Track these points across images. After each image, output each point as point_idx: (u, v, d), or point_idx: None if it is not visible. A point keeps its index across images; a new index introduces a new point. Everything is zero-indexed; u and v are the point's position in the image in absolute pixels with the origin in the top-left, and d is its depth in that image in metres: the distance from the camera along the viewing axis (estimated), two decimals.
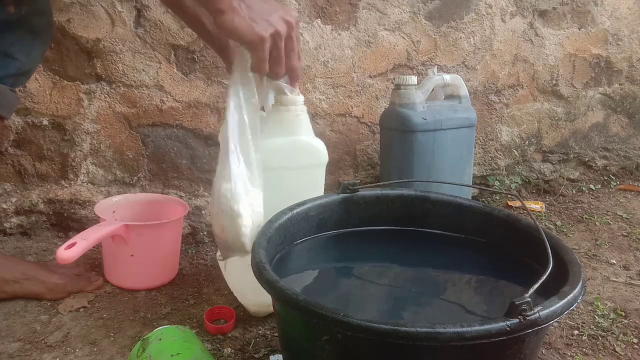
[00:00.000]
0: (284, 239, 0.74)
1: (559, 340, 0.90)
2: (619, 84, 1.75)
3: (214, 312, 0.92)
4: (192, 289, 1.03)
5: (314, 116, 1.36)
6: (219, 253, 1.04)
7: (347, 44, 1.35)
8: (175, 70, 1.20)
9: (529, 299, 0.49)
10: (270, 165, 0.83)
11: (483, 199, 1.58)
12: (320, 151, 0.87)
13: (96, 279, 1.02)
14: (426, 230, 0.83)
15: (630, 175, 1.84)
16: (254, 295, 0.90)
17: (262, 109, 0.88)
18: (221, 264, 1.03)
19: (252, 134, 0.77)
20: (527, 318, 0.49)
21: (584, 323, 0.95)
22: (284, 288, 0.55)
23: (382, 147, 1.30)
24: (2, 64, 0.87)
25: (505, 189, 1.60)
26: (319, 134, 1.38)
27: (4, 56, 0.86)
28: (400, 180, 1.19)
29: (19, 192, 1.18)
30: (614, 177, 1.81)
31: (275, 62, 0.76)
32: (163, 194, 1.25)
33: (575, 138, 1.74)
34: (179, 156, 1.26)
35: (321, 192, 0.88)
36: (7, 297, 0.95)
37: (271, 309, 0.91)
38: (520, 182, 1.67)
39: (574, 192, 1.72)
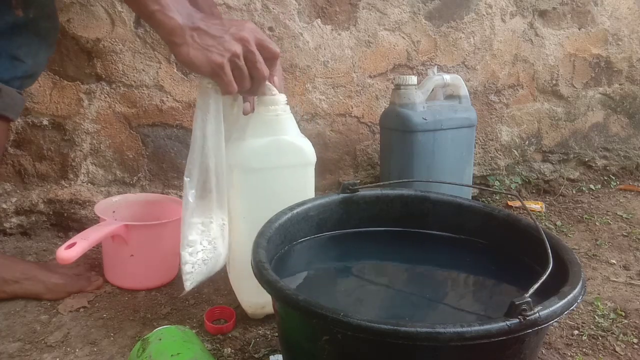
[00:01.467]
0: (284, 239, 0.74)
1: (559, 340, 0.90)
2: (619, 84, 1.75)
3: (214, 312, 0.92)
4: (192, 289, 1.03)
5: (314, 116, 1.36)
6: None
7: (347, 44, 1.35)
8: (175, 70, 1.20)
9: (529, 299, 0.49)
10: (253, 166, 0.83)
11: (483, 199, 1.58)
12: (304, 150, 0.85)
13: (96, 279, 1.02)
14: (426, 230, 0.83)
15: (630, 175, 1.84)
16: (250, 297, 0.90)
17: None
18: (227, 264, 1.03)
19: (216, 160, 0.80)
20: (527, 318, 0.49)
21: (584, 323, 0.95)
22: (284, 288, 0.55)
23: (382, 147, 1.30)
24: (10, 67, 0.87)
25: (505, 189, 1.60)
26: (319, 134, 1.38)
27: (11, 59, 0.87)
28: (400, 180, 1.19)
29: (19, 192, 1.18)
30: (614, 177, 1.81)
31: (239, 80, 0.77)
32: (163, 194, 1.25)
33: (575, 138, 1.74)
34: (179, 156, 1.26)
35: (311, 193, 0.87)
36: (7, 297, 0.95)
37: (268, 311, 0.91)
38: (520, 182, 1.67)
39: (574, 192, 1.72)
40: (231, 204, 0.89)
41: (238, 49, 0.75)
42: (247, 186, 0.84)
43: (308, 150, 0.86)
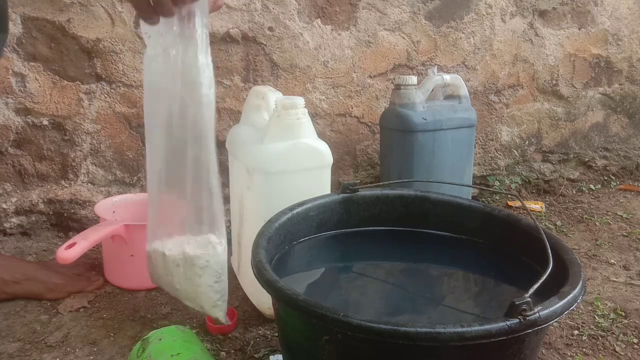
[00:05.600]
0: (284, 239, 0.74)
1: (559, 340, 0.90)
2: (619, 84, 1.75)
3: None
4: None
5: (314, 116, 1.36)
6: (233, 256, 1.04)
7: (347, 44, 1.35)
8: None
9: (529, 299, 0.49)
10: (273, 170, 0.84)
11: (483, 199, 1.58)
12: (323, 153, 0.87)
13: (96, 278, 1.02)
14: (426, 230, 0.83)
15: (630, 175, 1.84)
16: (268, 298, 0.90)
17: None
18: (234, 266, 1.03)
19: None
20: (527, 318, 0.49)
21: (584, 323, 0.95)
22: (283, 288, 0.55)
23: (382, 147, 1.30)
24: None
25: (505, 189, 1.60)
26: (319, 134, 1.38)
27: None
28: (400, 180, 1.19)
29: (19, 192, 1.18)
30: (614, 177, 1.81)
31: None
32: None
33: (575, 138, 1.74)
34: None
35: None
36: (7, 298, 0.95)
37: None
38: (520, 182, 1.67)
39: (574, 192, 1.72)
40: (249, 207, 0.89)
41: None
42: (266, 189, 0.85)
43: (326, 153, 0.88)
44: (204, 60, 0.72)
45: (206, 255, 0.79)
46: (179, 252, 0.79)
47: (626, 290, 1.08)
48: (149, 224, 0.84)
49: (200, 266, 0.79)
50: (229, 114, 1.27)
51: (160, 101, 0.76)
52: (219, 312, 0.81)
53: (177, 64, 0.74)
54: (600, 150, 1.79)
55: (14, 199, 1.18)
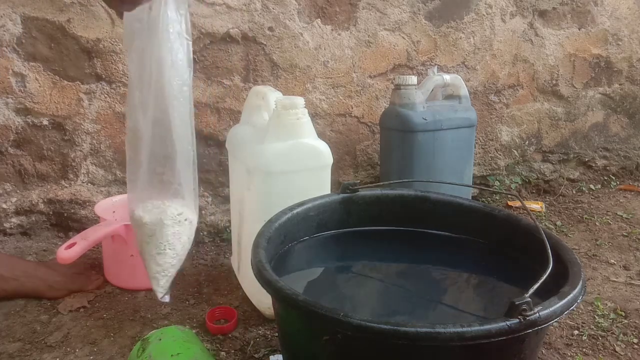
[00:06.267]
0: (284, 239, 0.74)
1: (559, 340, 0.90)
2: (619, 84, 1.75)
3: (215, 312, 0.92)
4: (192, 289, 1.03)
5: (314, 116, 1.36)
6: (233, 256, 1.04)
7: (347, 44, 1.35)
8: None
9: (529, 299, 0.49)
10: (274, 170, 0.84)
11: (483, 199, 1.58)
12: (323, 153, 0.87)
13: (97, 277, 1.02)
14: (426, 230, 0.83)
15: (630, 175, 1.84)
16: (268, 298, 0.90)
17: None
18: (234, 266, 1.03)
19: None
20: (527, 318, 0.49)
21: (584, 323, 0.95)
22: (283, 288, 0.55)
23: (382, 147, 1.30)
24: None
25: (505, 189, 1.60)
26: (319, 134, 1.38)
27: None
28: (400, 180, 1.19)
29: (19, 192, 1.18)
30: (614, 177, 1.81)
31: None
32: None
33: (575, 138, 1.74)
34: None
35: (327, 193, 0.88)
36: (8, 296, 0.95)
37: None
38: (520, 182, 1.67)
39: (574, 192, 1.72)
40: (249, 207, 0.89)
41: None
42: (266, 189, 0.85)
43: (326, 153, 0.88)
44: (173, 14, 0.70)
45: (152, 224, 0.78)
46: (139, 215, 0.79)
47: (626, 290, 1.08)
48: (128, 191, 0.82)
49: (148, 234, 0.79)
50: (229, 114, 1.27)
51: (140, 64, 0.74)
52: (155, 285, 0.81)
53: (149, 18, 0.72)
54: (600, 150, 1.79)
55: (14, 199, 1.18)
